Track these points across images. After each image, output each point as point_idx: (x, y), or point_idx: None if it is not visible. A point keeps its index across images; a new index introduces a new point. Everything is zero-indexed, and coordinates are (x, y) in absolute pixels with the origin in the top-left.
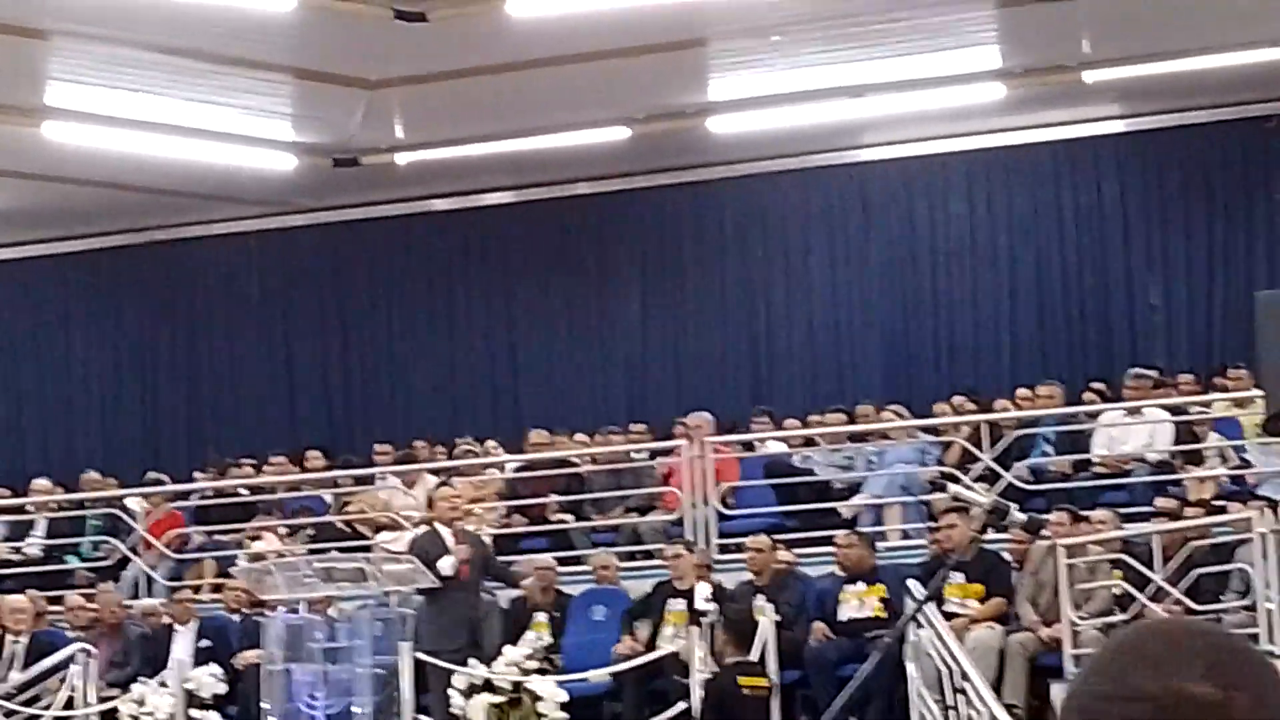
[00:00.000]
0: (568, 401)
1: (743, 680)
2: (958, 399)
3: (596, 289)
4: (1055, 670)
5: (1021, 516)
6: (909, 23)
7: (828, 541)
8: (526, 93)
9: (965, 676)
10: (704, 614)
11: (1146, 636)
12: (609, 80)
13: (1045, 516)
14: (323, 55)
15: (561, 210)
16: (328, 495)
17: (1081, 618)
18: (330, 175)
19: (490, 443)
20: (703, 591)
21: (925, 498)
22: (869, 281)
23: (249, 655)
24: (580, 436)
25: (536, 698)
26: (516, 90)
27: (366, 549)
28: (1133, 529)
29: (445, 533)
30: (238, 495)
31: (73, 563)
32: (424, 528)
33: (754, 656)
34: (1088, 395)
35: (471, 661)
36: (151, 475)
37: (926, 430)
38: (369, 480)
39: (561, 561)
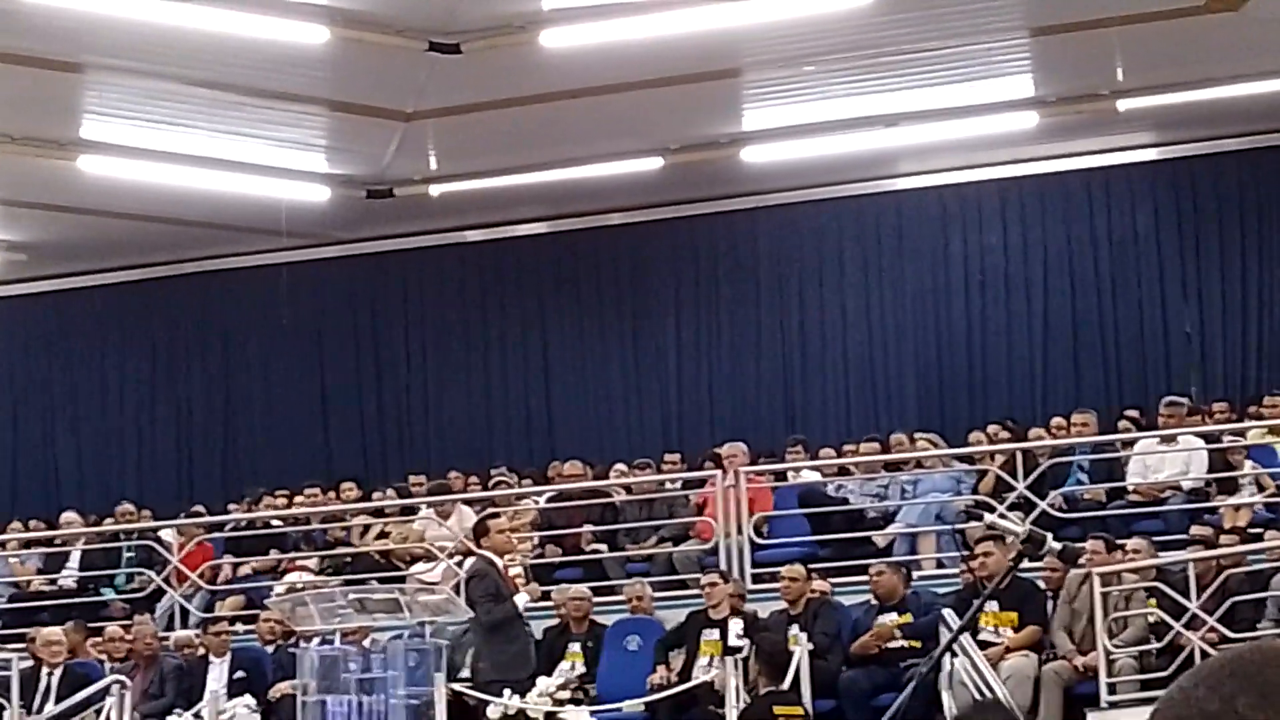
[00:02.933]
0: (602, 431)
1: (778, 710)
2: (992, 428)
3: (630, 319)
4: (1091, 699)
5: (1058, 546)
6: (942, 52)
7: (862, 571)
8: (560, 124)
9: None
10: (737, 650)
11: (1265, 663)
12: (642, 111)
13: (1081, 545)
14: (357, 87)
15: (595, 241)
16: (360, 527)
17: (1117, 646)
18: (364, 207)
19: (526, 482)
20: (735, 628)
21: (960, 526)
22: (902, 310)
23: (283, 686)
24: (618, 466)
25: None
26: (550, 121)
27: (401, 580)
28: (1168, 557)
29: (500, 564)
30: (271, 527)
31: (107, 594)
32: (472, 559)
33: (789, 686)
34: (1122, 423)
35: (505, 692)
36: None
37: (961, 459)
38: (405, 511)
39: (596, 591)
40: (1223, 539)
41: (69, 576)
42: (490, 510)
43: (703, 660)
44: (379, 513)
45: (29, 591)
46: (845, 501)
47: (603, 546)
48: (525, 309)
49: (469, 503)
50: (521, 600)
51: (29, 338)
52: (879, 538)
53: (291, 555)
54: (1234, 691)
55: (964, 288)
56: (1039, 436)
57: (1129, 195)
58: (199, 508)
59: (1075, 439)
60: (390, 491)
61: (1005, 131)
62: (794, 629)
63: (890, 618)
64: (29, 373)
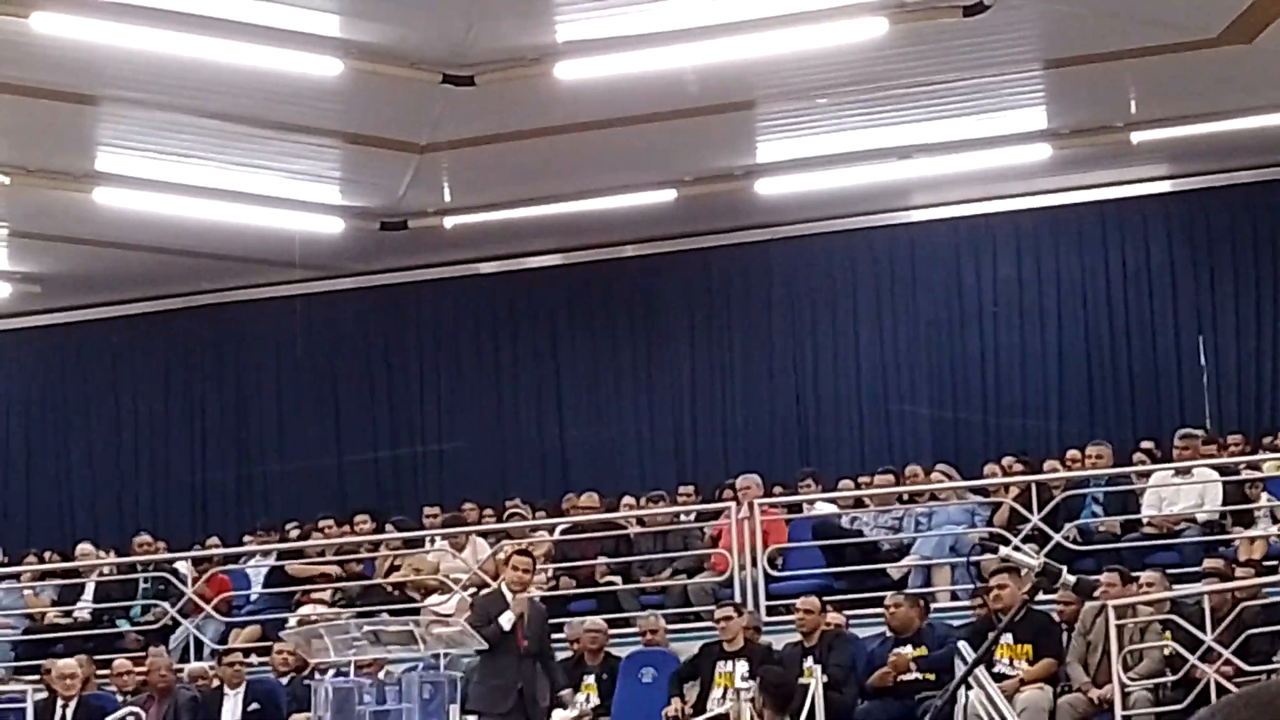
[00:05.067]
0: (615, 463)
1: None
2: (1006, 460)
3: (644, 351)
4: None
5: (1072, 579)
6: (955, 85)
7: (877, 603)
8: (574, 156)
9: None
10: (743, 691)
11: (1276, 694)
12: (656, 143)
13: (1096, 578)
14: (371, 119)
15: (608, 273)
16: (376, 559)
17: (1132, 679)
18: (378, 238)
19: (540, 514)
20: (741, 669)
21: (975, 559)
22: (916, 342)
23: (298, 718)
24: (628, 499)
25: None
26: (564, 153)
27: (415, 612)
28: (1183, 590)
29: (510, 597)
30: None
31: (122, 626)
32: (486, 588)
33: (803, 718)
34: (1137, 456)
35: None
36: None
37: (975, 491)
38: (418, 543)
39: (610, 624)
40: (1238, 571)
41: (84, 608)
42: (512, 546)
43: (716, 693)
44: (400, 545)
45: (44, 624)
46: (860, 534)
47: (617, 579)
48: (539, 341)
49: (483, 534)
50: (505, 619)
51: (44, 369)
52: (894, 570)
53: (305, 587)
54: (1250, 718)
55: (978, 319)
56: (1053, 469)
57: (1142, 227)
58: (214, 539)
59: (1090, 471)
60: (389, 526)
61: (1019, 163)
62: (809, 661)
63: (905, 650)
64: (44, 404)
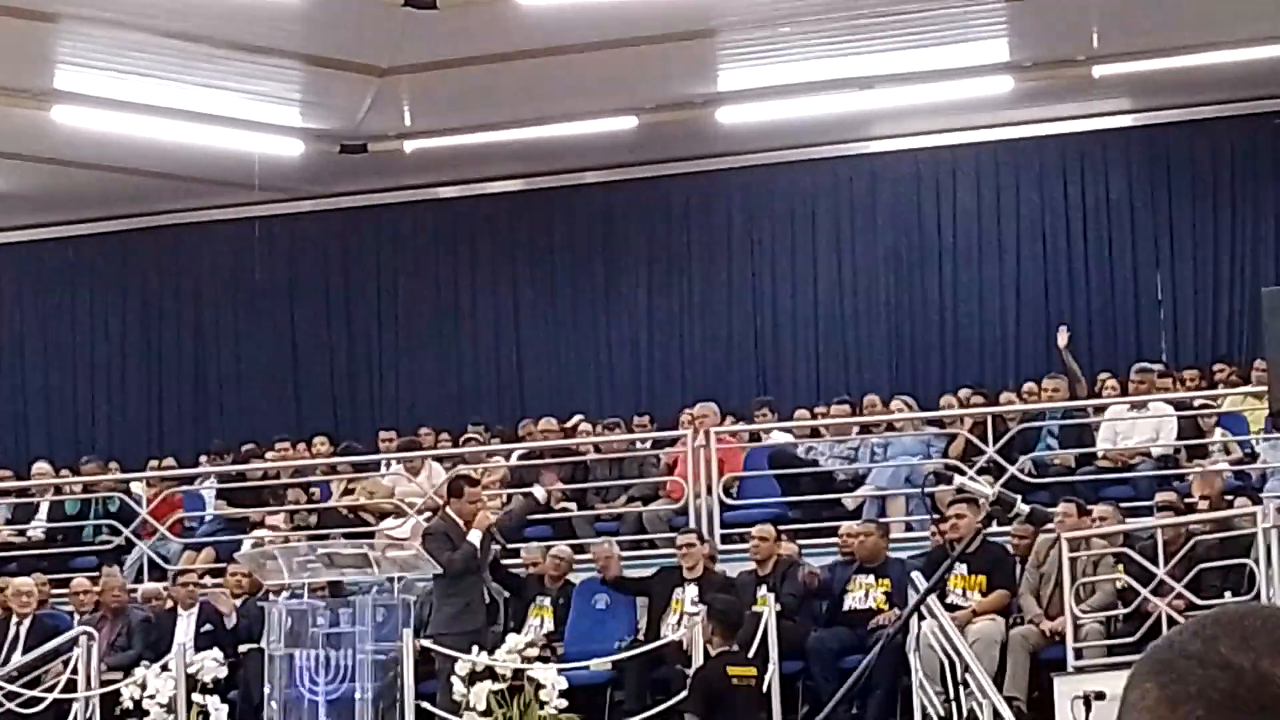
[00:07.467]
0: (572, 390)
1: (731, 670)
2: (963, 392)
3: (603, 278)
4: (1058, 664)
5: (1026, 508)
6: (918, 15)
7: (831, 532)
8: (535, 82)
9: (967, 669)
10: (693, 615)
11: (1248, 613)
12: (617, 70)
13: (1052, 510)
14: (332, 42)
15: (568, 199)
16: (332, 482)
17: (1084, 611)
18: (338, 162)
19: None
20: (690, 594)
21: (930, 489)
22: (875, 273)
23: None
24: (585, 425)
25: (538, 685)
26: (525, 79)
27: (370, 535)
28: (1136, 523)
29: (460, 522)
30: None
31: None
32: (437, 516)
33: (752, 646)
34: (1103, 389)
35: (473, 648)
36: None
37: (931, 423)
38: (373, 467)
39: None
40: (1200, 505)
41: (38, 528)
42: (467, 474)
43: (671, 618)
44: (356, 468)
45: None
46: (815, 463)
47: (572, 505)
48: (497, 266)
49: (439, 459)
50: (475, 537)
51: None
52: (849, 500)
53: (260, 509)
54: (1216, 634)
55: (936, 251)
56: (1009, 401)
57: (1103, 161)
58: (170, 460)
59: (1046, 404)
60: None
61: (980, 96)
62: (762, 589)
63: (866, 579)
64: None
